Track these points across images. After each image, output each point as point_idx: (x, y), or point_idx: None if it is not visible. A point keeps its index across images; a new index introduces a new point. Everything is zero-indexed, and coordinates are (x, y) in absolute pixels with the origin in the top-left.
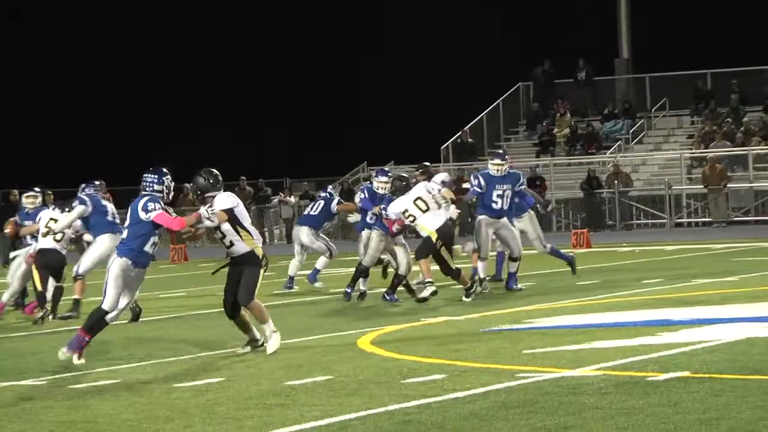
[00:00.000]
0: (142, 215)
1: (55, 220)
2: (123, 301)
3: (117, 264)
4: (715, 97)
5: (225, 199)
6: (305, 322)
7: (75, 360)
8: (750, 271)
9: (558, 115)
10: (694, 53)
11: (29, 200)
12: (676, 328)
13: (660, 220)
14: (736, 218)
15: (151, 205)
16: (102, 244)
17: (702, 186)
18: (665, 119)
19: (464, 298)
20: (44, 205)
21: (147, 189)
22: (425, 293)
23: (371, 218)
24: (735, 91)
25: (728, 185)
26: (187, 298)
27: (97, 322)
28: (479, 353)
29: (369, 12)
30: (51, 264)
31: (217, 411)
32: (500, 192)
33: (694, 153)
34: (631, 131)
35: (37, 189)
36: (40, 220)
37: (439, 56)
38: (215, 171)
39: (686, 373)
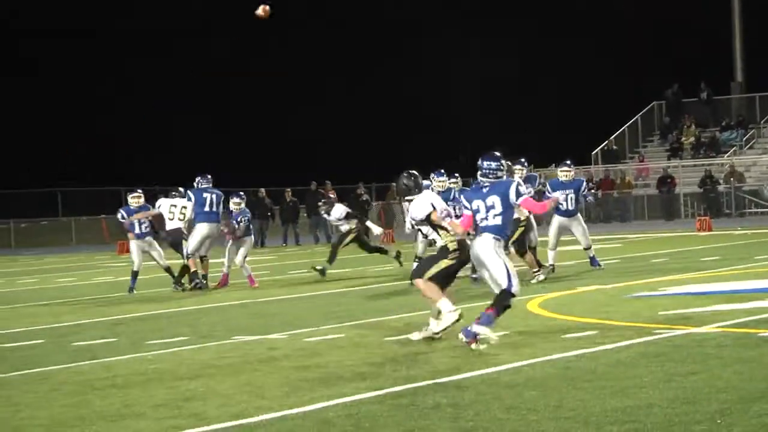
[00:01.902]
0: (513, 199)
1: (175, 206)
2: None
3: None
4: None
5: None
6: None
7: (489, 335)
8: None
9: (685, 127)
10: None
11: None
12: None
13: (767, 209)
14: None
15: (522, 189)
16: (200, 230)
17: None
18: None
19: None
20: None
21: (490, 176)
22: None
23: None
24: None
25: None
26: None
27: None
28: (624, 314)
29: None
30: (177, 241)
31: (419, 358)
32: (565, 195)
33: None
34: (744, 139)
35: (139, 190)
36: (160, 207)
37: (590, 77)
38: (414, 173)
39: None
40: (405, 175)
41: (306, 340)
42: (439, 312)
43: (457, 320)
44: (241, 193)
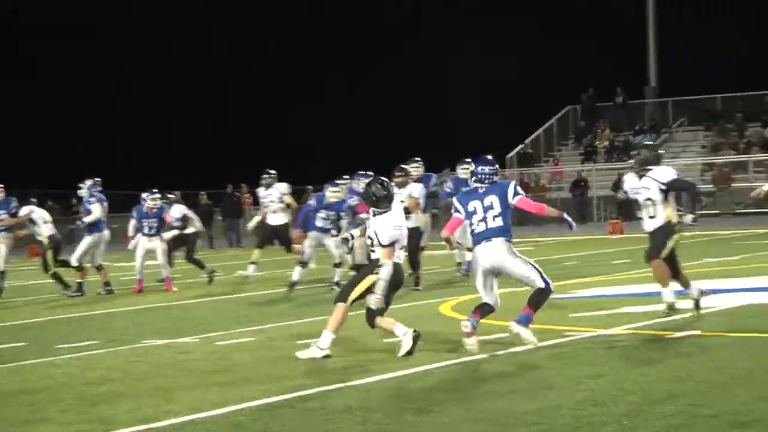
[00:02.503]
0: (510, 198)
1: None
2: None
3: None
4: (723, 115)
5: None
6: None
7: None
8: (748, 252)
9: (599, 131)
10: (707, 81)
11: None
12: (690, 296)
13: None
14: (738, 211)
15: (519, 189)
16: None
17: (712, 186)
18: (684, 133)
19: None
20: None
21: (486, 181)
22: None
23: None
24: (739, 110)
25: (732, 185)
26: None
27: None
28: (535, 317)
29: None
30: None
31: (329, 361)
32: None
33: (706, 160)
34: (658, 142)
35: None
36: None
37: (502, 81)
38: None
39: (697, 332)
40: (378, 185)
41: (217, 343)
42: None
43: (416, 338)
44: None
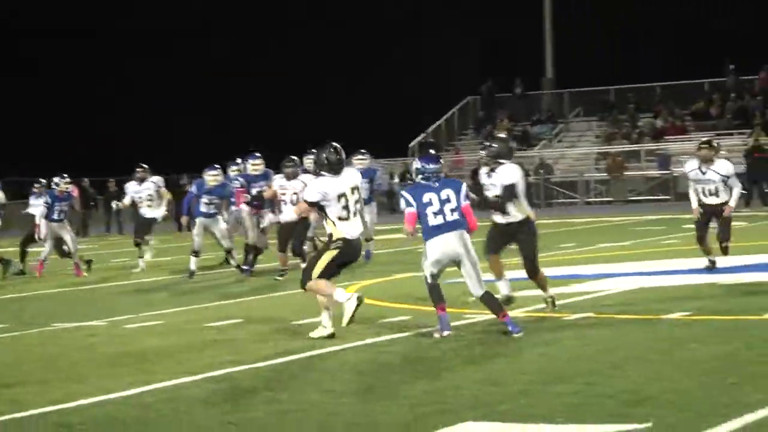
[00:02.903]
0: (463, 199)
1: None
2: None
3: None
4: (616, 107)
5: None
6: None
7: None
8: (640, 238)
9: (498, 120)
10: (601, 73)
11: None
12: (584, 280)
13: (574, 200)
14: (631, 198)
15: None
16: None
17: (606, 174)
18: (579, 123)
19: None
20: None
21: (432, 178)
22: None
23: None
24: (631, 102)
25: (625, 173)
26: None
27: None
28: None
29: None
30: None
31: (237, 343)
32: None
33: (600, 149)
34: (553, 132)
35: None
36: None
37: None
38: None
39: (591, 314)
40: (331, 149)
41: (125, 326)
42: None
43: (358, 305)
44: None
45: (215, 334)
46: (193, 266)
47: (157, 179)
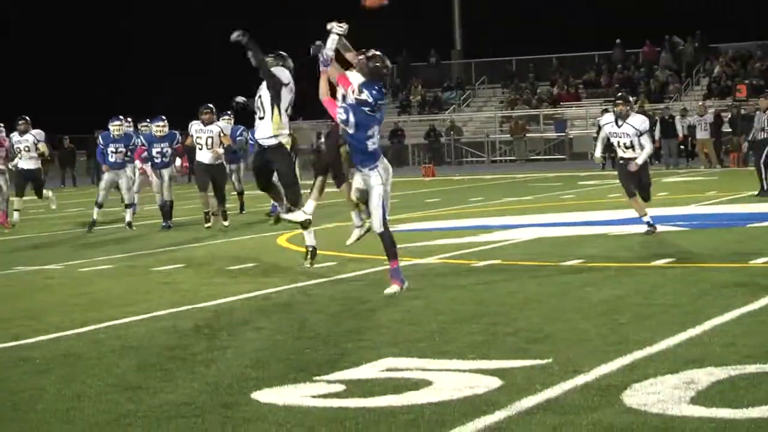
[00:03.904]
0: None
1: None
2: None
3: None
4: (518, 76)
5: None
6: (241, 229)
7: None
8: (540, 193)
9: (413, 87)
10: (504, 45)
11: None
12: (491, 230)
13: (481, 158)
14: (531, 158)
15: None
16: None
17: (509, 135)
18: (485, 90)
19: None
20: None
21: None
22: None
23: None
24: (531, 72)
25: (526, 135)
26: None
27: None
28: (361, 247)
29: None
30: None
31: (181, 286)
32: (159, 149)
33: (503, 113)
34: (462, 98)
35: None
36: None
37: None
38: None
39: (498, 261)
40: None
41: (80, 270)
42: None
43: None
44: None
45: (161, 278)
46: (95, 216)
47: (37, 132)
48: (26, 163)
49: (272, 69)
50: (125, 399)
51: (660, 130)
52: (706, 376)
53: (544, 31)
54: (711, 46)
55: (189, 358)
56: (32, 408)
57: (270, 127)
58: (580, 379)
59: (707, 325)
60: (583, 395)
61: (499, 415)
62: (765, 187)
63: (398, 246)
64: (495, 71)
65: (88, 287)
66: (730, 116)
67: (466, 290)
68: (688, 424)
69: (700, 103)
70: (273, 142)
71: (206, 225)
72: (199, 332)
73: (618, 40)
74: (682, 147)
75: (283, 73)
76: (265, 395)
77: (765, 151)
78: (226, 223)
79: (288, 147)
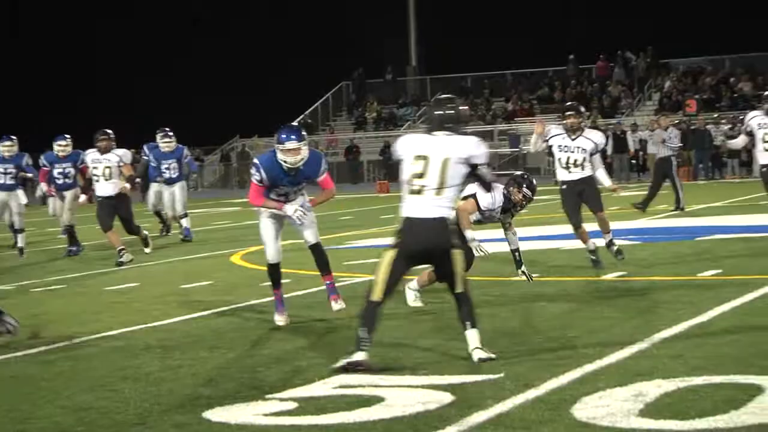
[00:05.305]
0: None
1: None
2: None
3: None
4: (473, 92)
5: None
6: (193, 247)
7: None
8: None
9: (368, 104)
10: (459, 61)
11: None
12: None
13: None
14: None
15: None
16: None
17: None
18: None
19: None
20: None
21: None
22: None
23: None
24: (486, 88)
25: None
26: None
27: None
28: (314, 265)
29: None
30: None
31: (133, 305)
32: (167, 165)
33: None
34: (417, 114)
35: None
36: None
37: (289, 57)
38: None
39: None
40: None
41: (32, 290)
42: None
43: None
44: None
45: (115, 297)
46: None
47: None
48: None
49: None
50: (75, 420)
51: (612, 145)
52: (654, 388)
53: (499, 48)
54: (662, 61)
55: (141, 378)
56: None
57: None
58: (531, 394)
59: (656, 338)
60: (534, 409)
61: (450, 430)
62: (682, 204)
63: (353, 262)
64: (450, 87)
65: (39, 307)
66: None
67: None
68: None
69: (652, 118)
70: None
71: (146, 250)
72: (151, 351)
73: (571, 56)
74: (633, 161)
75: None
76: (217, 414)
77: (673, 167)
78: (147, 250)
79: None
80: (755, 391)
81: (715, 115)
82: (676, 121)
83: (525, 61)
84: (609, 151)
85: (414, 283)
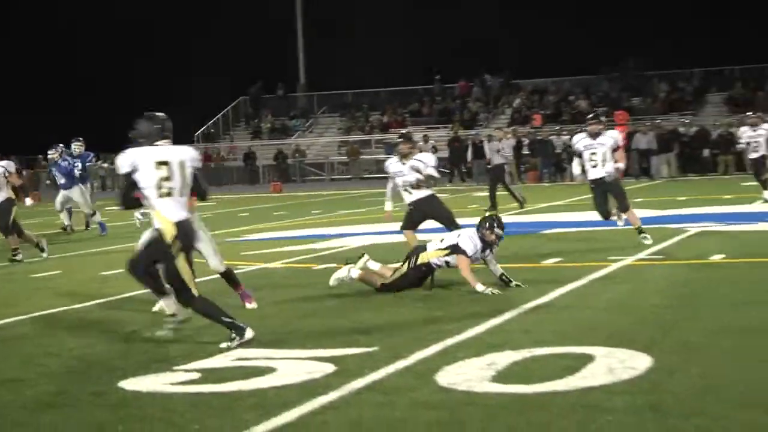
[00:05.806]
0: None
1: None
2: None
3: None
4: (353, 106)
5: None
6: (116, 238)
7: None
8: (372, 206)
9: (264, 116)
10: (342, 79)
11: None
12: (329, 239)
13: (322, 177)
14: (365, 176)
15: None
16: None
17: (346, 157)
18: (325, 119)
19: None
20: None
21: None
22: None
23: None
24: (364, 103)
25: (361, 157)
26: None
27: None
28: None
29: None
30: None
31: (58, 290)
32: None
33: (341, 138)
34: (306, 125)
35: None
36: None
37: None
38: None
39: (334, 265)
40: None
41: None
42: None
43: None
44: None
45: (39, 283)
46: None
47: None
48: None
49: None
50: (6, 390)
51: (472, 152)
52: (505, 358)
53: (376, 68)
54: (514, 82)
55: (64, 353)
56: None
57: None
58: (401, 363)
59: (507, 315)
60: (403, 377)
61: (333, 395)
62: (521, 199)
63: (250, 252)
64: (334, 102)
65: None
66: (528, 141)
67: (310, 289)
68: (489, 399)
69: (504, 130)
70: None
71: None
72: (73, 331)
73: (437, 76)
74: (488, 166)
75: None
76: (130, 383)
77: (505, 173)
78: (44, 255)
79: None
80: (587, 359)
81: (557, 128)
82: (516, 134)
83: (398, 79)
84: (469, 157)
85: (353, 272)
